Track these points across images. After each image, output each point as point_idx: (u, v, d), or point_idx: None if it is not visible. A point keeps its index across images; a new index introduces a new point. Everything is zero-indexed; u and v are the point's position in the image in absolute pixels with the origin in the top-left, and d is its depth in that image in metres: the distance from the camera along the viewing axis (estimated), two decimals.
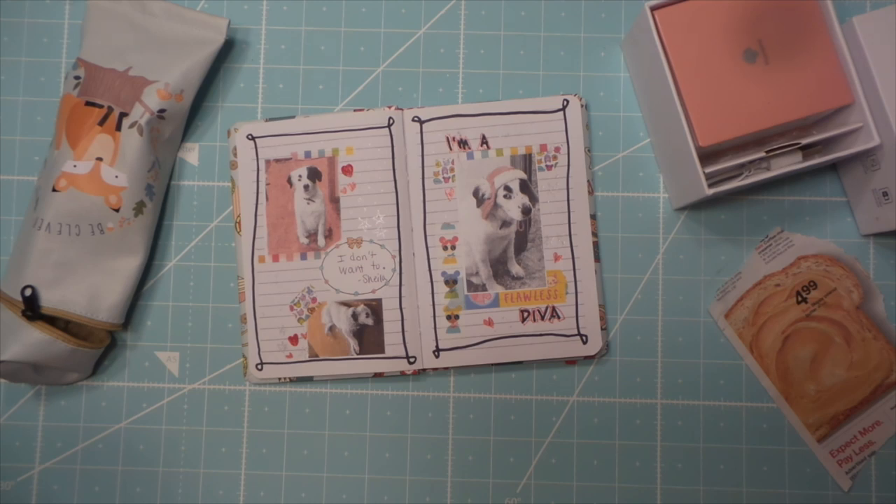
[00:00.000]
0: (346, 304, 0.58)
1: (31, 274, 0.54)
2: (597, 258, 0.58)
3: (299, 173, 0.59)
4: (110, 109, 0.55)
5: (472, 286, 0.58)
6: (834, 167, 0.59)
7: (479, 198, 0.58)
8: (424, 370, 0.58)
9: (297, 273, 0.58)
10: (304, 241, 0.58)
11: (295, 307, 0.58)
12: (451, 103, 0.60)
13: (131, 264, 0.56)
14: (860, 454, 0.57)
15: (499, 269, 0.58)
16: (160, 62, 0.56)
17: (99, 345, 0.57)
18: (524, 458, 0.58)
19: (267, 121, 0.59)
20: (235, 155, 0.59)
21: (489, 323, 0.58)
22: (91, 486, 0.58)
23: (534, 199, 0.58)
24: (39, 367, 0.55)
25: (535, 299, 0.58)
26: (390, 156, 0.58)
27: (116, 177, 0.55)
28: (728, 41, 0.52)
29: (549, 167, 0.58)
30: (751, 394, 0.58)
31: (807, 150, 0.55)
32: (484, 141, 0.59)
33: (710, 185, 0.53)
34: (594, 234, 0.58)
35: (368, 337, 0.58)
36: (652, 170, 0.60)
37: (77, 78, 0.56)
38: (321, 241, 0.58)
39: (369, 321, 0.58)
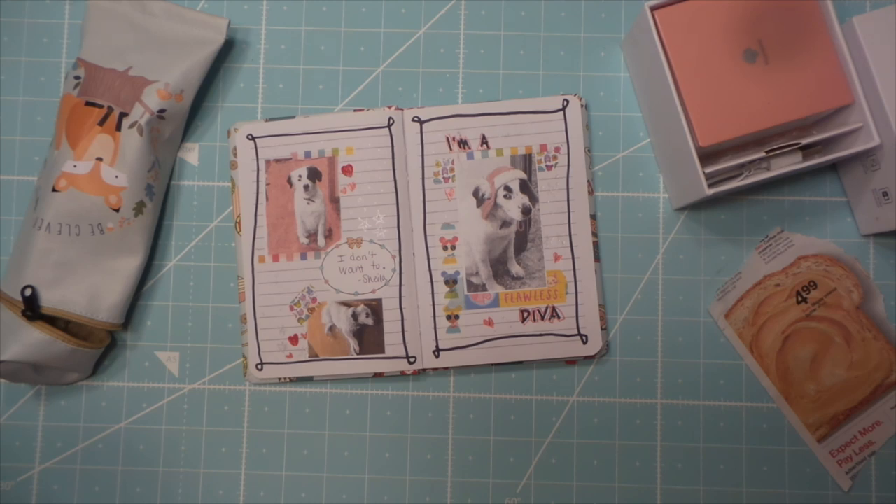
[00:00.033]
0: (346, 304, 0.58)
1: (31, 274, 0.54)
2: (597, 258, 0.58)
3: (299, 173, 0.59)
4: (110, 109, 0.55)
5: (472, 286, 0.58)
6: (834, 167, 0.59)
7: (479, 198, 0.58)
8: (424, 370, 0.58)
9: (297, 273, 0.58)
10: (304, 241, 0.58)
11: (295, 307, 0.58)
12: (451, 103, 0.60)
13: (131, 264, 0.56)
14: (860, 454, 0.57)
15: (499, 269, 0.58)
16: (160, 62, 0.56)
17: (99, 345, 0.57)
18: (524, 458, 0.58)
19: (267, 121, 0.59)
20: (235, 155, 0.59)
21: (489, 323, 0.58)
22: (91, 486, 0.58)
23: (534, 199, 0.58)
24: (39, 367, 0.55)
25: (535, 299, 0.58)
26: (390, 156, 0.58)
27: (116, 177, 0.55)
28: (728, 41, 0.52)
29: (549, 167, 0.58)
30: (751, 394, 0.58)
31: (807, 150, 0.55)
32: (484, 141, 0.59)
33: (710, 185, 0.53)
34: (594, 234, 0.58)
35: (368, 337, 0.58)
36: (652, 170, 0.60)
37: (77, 78, 0.56)
38: (321, 241, 0.58)
39: (369, 321, 0.58)
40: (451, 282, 0.58)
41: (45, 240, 0.54)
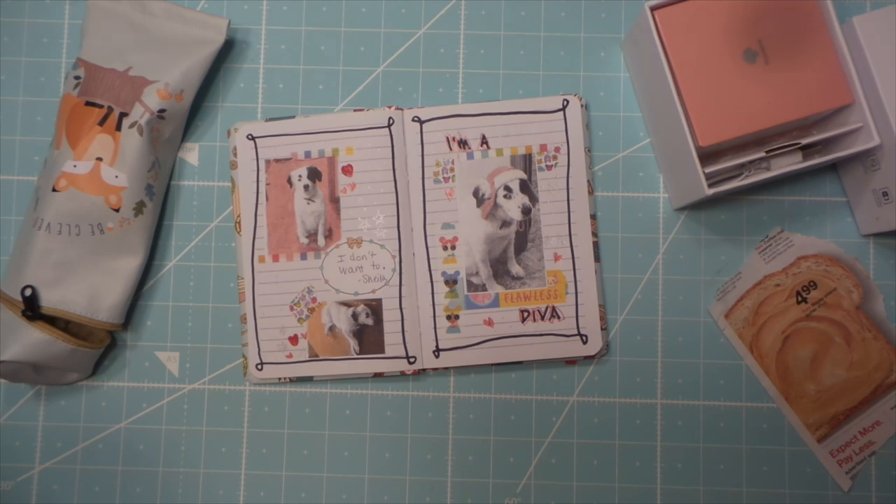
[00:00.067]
0: (346, 304, 0.58)
1: (31, 274, 0.54)
2: (597, 258, 0.58)
3: (299, 173, 0.59)
4: (110, 109, 0.55)
5: (472, 286, 0.58)
6: (834, 167, 0.59)
7: (479, 198, 0.58)
8: (424, 370, 0.58)
9: (297, 273, 0.58)
10: (304, 241, 0.58)
11: (295, 307, 0.58)
12: (451, 103, 0.60)
13: (131, 264, 0.56)
14: (860, 454, 0.57)
15: (499, 269, 0.58)
16: (160, 62, 0.56)
17: (99, 345, 0.57)
18: (524, 458, 0.58)
19: (267, 121, 0.59)
20: (235, 155, 0.59)
21: (489, 323, 0.58)
22: (91, 486, 0.58)
23: (534, 199, 0.58)
24: (39, 367, 0.55)
25: (535, 299, 0.58)
26: (390, 156, 0.58)
27: (116, 177, 0.55)
28: (728, 41, 0.52)
29: (549, 167, 0.58)
30: (751, 394, 0.58)
31: (807, 150, 0.55)
32: (484, 141, 0.59)
33: (710, 185, 0.53)
34: (594, 234, 0.58)
35: (368, 337, 0.58)
36: (652, 170, 0.60)
37: (77, 78, 0.56)
38: (321, 241, 0.58)
39: (369, 321, 0.58)
40: (451, 282, 0.58)
41: (45, 240, 0.54)
